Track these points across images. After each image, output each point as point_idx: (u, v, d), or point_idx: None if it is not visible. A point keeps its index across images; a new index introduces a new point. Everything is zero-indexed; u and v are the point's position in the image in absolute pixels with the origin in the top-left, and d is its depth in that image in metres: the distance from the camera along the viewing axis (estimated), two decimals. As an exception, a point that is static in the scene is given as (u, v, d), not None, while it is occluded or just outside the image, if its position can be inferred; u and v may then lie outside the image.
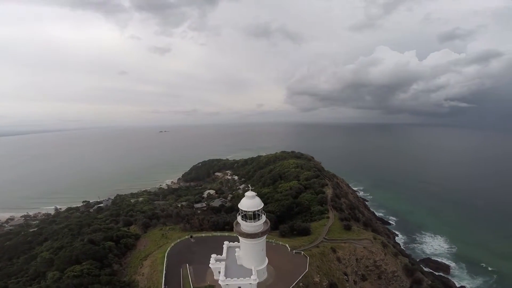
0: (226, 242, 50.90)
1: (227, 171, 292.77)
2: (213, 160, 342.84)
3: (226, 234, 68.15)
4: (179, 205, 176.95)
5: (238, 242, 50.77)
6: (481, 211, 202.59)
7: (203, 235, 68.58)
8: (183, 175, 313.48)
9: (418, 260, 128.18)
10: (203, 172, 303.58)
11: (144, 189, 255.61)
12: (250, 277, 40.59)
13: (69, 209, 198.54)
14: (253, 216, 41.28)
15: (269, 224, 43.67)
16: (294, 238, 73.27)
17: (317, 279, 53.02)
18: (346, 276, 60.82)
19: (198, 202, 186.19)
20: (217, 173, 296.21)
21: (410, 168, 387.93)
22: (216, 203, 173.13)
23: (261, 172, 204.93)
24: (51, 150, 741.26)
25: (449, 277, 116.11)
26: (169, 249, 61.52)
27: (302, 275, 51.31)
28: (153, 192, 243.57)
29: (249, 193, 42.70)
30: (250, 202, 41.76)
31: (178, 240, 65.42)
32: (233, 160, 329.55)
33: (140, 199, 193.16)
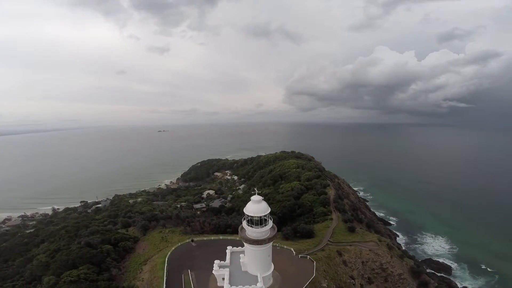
0: (229, 247, 48.86)
1: (226, 171, 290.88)
2: (212, 160, 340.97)
3: (229, 237, 66.09)
4: (179, 205, 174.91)
5: (242, 246, 48.80)
6: (481, 211, 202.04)
7: (205, 238, 66.45)
8: (182, 175, 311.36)
9: (419, 261, 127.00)
10: (202, 172, 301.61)
11: (143, 189, 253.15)
12: (256, 285, 38.72)
13: (66, 209, 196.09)
14: (259, 221, 39.19)
15: (276, 229, 41.61)
16: (298, 241, 71.43)
17: (324, 285, 51.26)
18: (353, 280, 59.16)
19: (197, 203, 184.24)
20: (216, 173, 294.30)
21: (409, 168, 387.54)
22: (216, 203, 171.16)
23: (261, 172, 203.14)
24: (49, 149, 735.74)
25: (451, 278, 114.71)
26: (169, 253, 59.36)
27: (310, 280, 49.43)
28: (152, 192, 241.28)
29: (255, 198, 40.67)
30: (256, 207, 39.71)
31: (179, 244, 63.24)
32: (233, 160, 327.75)
33: (139, 199, 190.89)
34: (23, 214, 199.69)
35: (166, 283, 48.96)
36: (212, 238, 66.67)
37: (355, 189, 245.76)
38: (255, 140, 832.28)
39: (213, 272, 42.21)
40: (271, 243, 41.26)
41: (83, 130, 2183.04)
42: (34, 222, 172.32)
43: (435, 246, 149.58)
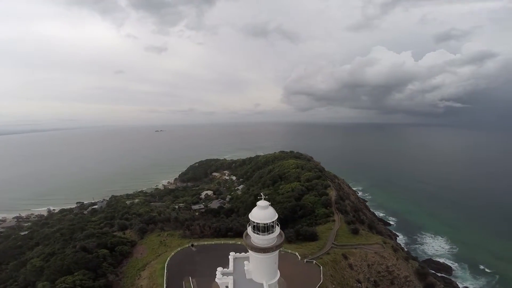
0: (232, 253, 46.55)
1: (224, 171, 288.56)
2: (210, 160, 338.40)
3: (230, 242, 63.77)
4: (177, 206, 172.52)
5: (245, 252, 46.63)
6: (479, 210, 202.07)
7: (205, 243, 64.02)
8: (179, 175, 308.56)
9: (420, 261, 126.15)
10: (200, 172, 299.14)
11: (140, 190, 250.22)
12: (261, 293, 36.69)
13: (62, 210, 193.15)
14: (265, 228, 36.92)
15: (283, 236, 39.35)
16: (301, 244, 69.50)
17: (331, 290, 49.39)
18: (359, 284, 57.43)
19: (196, 204, 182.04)
20: (214, 173, 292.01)
21: (408, 168, 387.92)
22: (215, 204, 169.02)
23: (260, 172, 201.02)
24: (47, 149, 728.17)
25: (452, 278, 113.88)
26: (169, 258, 56.89)
27: (317, 286, 47.49)
28: (149, 193, 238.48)
29: (261, 203, 38.39)
30: (263, 213, 37.42)
31: (179, 249, 60.73)
32: (231, 160, 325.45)
33: (136, 200, 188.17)
34: (18, 215, 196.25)
35: (166, 291, 46.62)
36: (213, 242, 64.27)
37: (354, 189, 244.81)
38: (254, 140, 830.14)
39: (216, 280, 40.02)
40: (278, 251, 39.10)
41: (82, 130, 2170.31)
42: (29, 224, 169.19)
43: (435, 246, 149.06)
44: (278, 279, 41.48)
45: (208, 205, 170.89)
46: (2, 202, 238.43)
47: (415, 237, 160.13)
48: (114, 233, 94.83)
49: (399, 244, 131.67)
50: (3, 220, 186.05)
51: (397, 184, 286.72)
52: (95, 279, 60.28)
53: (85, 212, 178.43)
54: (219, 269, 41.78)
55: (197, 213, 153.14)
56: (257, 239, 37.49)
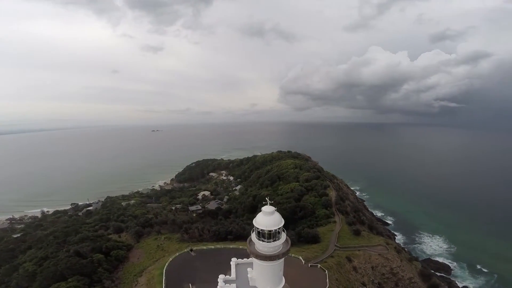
0: (233, 259, 44.55)
1: (222, 171, 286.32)
2: (207, 160, 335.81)
3: (231, 246, 61.63)
4: (173, 208, 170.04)
5: (247, 257, 44.68)
6: (475, 209, 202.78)
7: (204, 247, 61.60)
8: (176, 176, 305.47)
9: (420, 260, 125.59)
10: (197, 173, 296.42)
11: (136, 191, 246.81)
12: (265, 301, 34.78)
13: (56, 212, 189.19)
14: (271, 234, 34.82)
15: (289, 243, 37.26)
16: (304, 247, 67.75)
17: (336, 295, 47.74)
18: (364, 287, 55.94)
19: (193, 204, 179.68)
20: (211, 173, 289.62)
21: (403, 167, 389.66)
22: (212, 205, 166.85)
23: (258, 172, 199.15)
24: (42, 150, 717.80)
25: (451, 278, 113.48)
26: (167, 264, 54.49)
27: (324, 292, 45.75)
28: (145, 193, 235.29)
29: (266, 208, 36.18)
30: (268, 219, 35.21)
31: (177, 254, 58.36)
32: (228, 160, 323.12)
33: (132, 201, 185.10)
34: (11, 217, 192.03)
35: (165, 298, 44.44)
36: (213, 247, 62.00)
37: (352, 189, 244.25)
38: (250, 140, 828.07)
39: (218, 288, 38.10)
40: (283, 258, 37.12)
41: (77, 130, 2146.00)
42: (23, 226, 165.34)
43: (433, 246, 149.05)
44: (283, 286, 39.63)
45: (206, 206, 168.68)
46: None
47: (413, 236, 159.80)
48: (109, 236, 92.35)
49: (399, 244, 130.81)
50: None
51: (394, 183, 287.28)
52: (90, 286, 57.94)
53: (80, 213, 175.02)
54: (221, 276, 39.79)
55: (194, 214, 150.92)
56: (262, 246, 35.42)
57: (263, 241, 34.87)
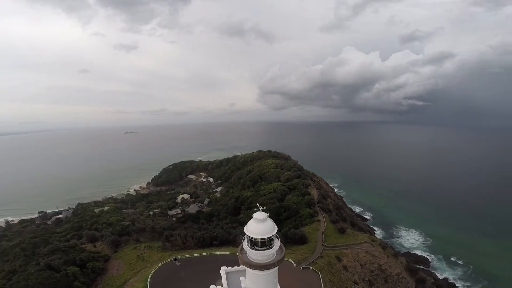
0: (223, 268, 41.92)
1: (201, 173, 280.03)
2: (185, 162, 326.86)
3: (217, 252, 58.62)
4: (151, 213, 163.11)
5: (238, 265, 42.21)
6: (442, 201, 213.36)
7: (189, 255, 58.10)
8: (152, 179, 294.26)
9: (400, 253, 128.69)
10: (175, 175, 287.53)
11: (110, 196, 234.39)
12: (261, 311, 32.56)
13: (22, 221, 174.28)
14: (264, 242, 32.50)
15: (284, 250, 35.18)
16: (292, 248, 66.47)
17: (331, 298, 46.72)
18: (357, 285, 55.67)
19: (172, 209, 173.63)
20: (190, 176, 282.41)
21: (377, 164, 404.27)
22: (193, 209, 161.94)
23: (239, 173, 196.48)
24: (5, 155, 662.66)
25: (431, 270, 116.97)
26: (150, 276, 50.37)
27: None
28: (120, 199, 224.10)
29: (258, 215, 33.66)
30: (260, 226, 32.67)
31: (160, 264, 54.45)
32: (207, 161, 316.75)
33: (106, 208, 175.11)
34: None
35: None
36: (199, 254, 58.57)
37: (330, 186, 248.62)
38: (229, 140, 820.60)
39: (209, 300, 35.38)
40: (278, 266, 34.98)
41: (44, 133, 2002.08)
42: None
43: (410, 239, 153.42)
44: (277, 292, 37.68)
45: (186, 210, 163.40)
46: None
47: (391, 231, 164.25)
48: (83, 246, 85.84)
49: (382, 240, 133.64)
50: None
51: (369, 179, 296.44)
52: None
53: (49, 222, 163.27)
54: (212, 287, 37.05)
55: (174, 219, 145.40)
56: (255, 255, 33.04)
57: (256, 249, 32.57)
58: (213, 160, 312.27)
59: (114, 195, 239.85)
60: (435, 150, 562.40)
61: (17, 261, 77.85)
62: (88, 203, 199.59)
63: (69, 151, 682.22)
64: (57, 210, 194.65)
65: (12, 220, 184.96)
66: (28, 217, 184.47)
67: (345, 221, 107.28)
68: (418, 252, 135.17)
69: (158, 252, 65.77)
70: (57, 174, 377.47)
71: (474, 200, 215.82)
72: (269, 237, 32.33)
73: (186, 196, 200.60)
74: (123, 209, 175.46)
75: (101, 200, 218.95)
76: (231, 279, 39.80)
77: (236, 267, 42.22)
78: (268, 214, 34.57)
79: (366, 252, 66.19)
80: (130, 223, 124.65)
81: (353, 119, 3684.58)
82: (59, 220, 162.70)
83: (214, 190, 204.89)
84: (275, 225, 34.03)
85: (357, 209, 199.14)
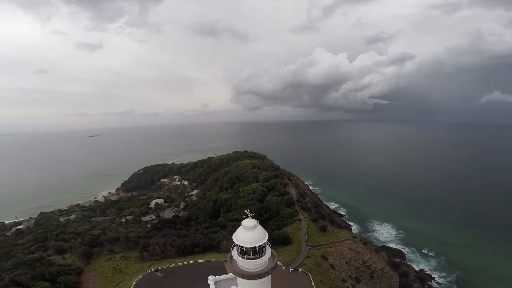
0: (211, 277, 39.64)
1: (174, 176, 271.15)
2: (157, 166, 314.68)
3: (202, 260, 55.45)
4: (123, 220, 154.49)
5: (226, 274, 40.21)
6: (408, 195, 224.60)
7: (171, 265, 54.38)
8: (122, 185, 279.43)
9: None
10: (147, 180, 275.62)
11: (76, 204, 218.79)
12: (255, 321, 30.87)
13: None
14: (256, 250, 30.66)
15: (275, 257, 33.58)
16: (277, 250, 64.99)
17: (325, 298, 46.25)
18: (345, 283, 55.99)
19: (145, 214, 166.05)
20: (163, 180, 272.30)
21: (348, 160, 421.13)
22: (168, 214, 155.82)
23: (216, 175, 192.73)
24: None
25: (407, 262, 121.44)
26: (131, 289, 46.74)
27: (313, 296, 43.62)
28: (87, 206, 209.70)
29: (247, 222, 31.48)
30: (250, 234, 30.58)
31: (141, 276, 50.44)
32: (180, 164, 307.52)
33: (72, 216, 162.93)
34: None
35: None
36: (181, 264, 55.14)
37: (306, 183, 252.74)
38: (203, 141, 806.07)
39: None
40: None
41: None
42: None
43: (384, 233, 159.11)
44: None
45: (161, 215, 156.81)
46: None
47: (365, 225, 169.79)
48: (50, 258, 78.41)
49: (362, 236, 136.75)
50: None
51: (341, 176, 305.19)
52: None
53: (8, 234, 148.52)
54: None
55: (149, 225, 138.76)
56: (246, 264, 31.21)
57: (248, 258, 30.71)
58: (187, 162, 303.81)
59: (80, 202, 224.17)
60: (399, 146, 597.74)
61: (-24, 277, 69.07)
62: (52, 212, 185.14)
63: (26, 158, 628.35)
64: (16, 221, 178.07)
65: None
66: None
67: (324, 218, 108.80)
68: (393, 246, 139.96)
69: (136, 262, 61.29)
70: (13, 182, 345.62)
71: (439, 192, 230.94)
72: (260, 245, 30.66)
73: (160, 200, 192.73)
74: (91, 217, 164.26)
75: (66, 208, 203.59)
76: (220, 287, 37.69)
77: (225, 275, 40.22)
78: (257, 221, 32.74)
79: (349, 249, 67.30)
80: (101, 231, 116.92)
81: (323, 118, 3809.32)
82: (19, 231, 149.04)
83: (189, 194, 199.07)
84: (266, 232, 32.26)
85: (332, 206, 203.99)
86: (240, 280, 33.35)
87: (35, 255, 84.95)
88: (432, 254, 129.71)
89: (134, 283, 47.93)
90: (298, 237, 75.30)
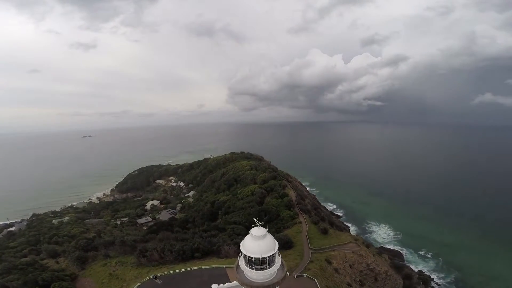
0: (214, 285, 37.89)
1: (170, 178, 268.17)
2: (152, 166, 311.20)
3: (202, 267, 53.46)
4: (118, 222, 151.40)
5: (230, 282, 38.45)
6: (408, 196, 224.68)
7: (171, 272, 52.21)
8: (117, 186, 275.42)
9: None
10: (142, 181, 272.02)
11: (70, 205, 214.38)
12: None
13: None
14: (264, 260, 28.91)
15: (285, 267, 31.92)
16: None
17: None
18: (351, 287, 54.47)
19: (141, 216, 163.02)
20: (158, 181, 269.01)
21: (344, 161, 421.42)
22: (164, 215, 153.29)
23: (212, 176, 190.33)
24: None
25: (405, 263, 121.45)
26: (129, 298, 44.58)
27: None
28: (81, 208, 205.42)
29: (256, 231, 29.58)
30: (259, 244, 28.81)
31: (139, 284, 48.23)
32: (176, 164, 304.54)
33: (66, 218, 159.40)
34: None
35: None
36: (181, 270, 52.96)
37: (303, 184, 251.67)
38: (199, 142, 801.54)
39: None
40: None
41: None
42: None
43: (381, 234, 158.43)
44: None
45: (157, 217, 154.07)
46: None
47: (363, 226, 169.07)
48: (44, 262, 75.70)
49: (364, 238, 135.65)
50: None
51: (337, 177, 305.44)
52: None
53: (0, 236, 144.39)
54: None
55: (145, 228, 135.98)
56: (255, 274, 29.52)
57: (256, 269, 28.94)
58: (182, 163, 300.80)
59: (74, 204, 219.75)
60: (394, 147, 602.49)
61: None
62: (45, 214, 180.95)
63: (18, 158, 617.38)
64: (8, 222, 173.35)
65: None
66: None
67: (324, 220, 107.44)
68: (391, 247, 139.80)
69: (133, 268, 58.83)
70: (5, 183, 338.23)
71: (435, 193, 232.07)
72: (270, 256, 28.92)
73: (155, 202, 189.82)
74: (85, 219, 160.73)
75: (59, 210, 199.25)
76: (226, 298, 35.89)
77: (228, 283, 38.49)
78: (267, 229, 31.04)
79: (353, 252, 66.02)
80: (95, 234, 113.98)
81: (319, 120, 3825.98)
82: (11, 233, 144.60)
83: (186, 195, 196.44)
84: (276, 242, 30.58)
85: (330, 207, 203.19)
86: (245, 289, 31.69)
87: (28, 258, 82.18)
88: (430, 255, 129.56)
89: (132, 290, 45.80)
90: (299, 240, 73.78)
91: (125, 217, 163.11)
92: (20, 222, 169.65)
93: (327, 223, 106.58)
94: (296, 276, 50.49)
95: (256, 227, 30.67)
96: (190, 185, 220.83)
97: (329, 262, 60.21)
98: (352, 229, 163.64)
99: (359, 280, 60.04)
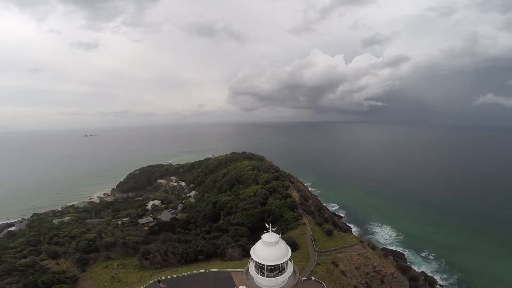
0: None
1: (171, 177, 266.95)
2: (153, 166, 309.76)
3: (207, 270, 52.21)
4: (119, 222, 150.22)
5: (236, 286, 37.22)
6: (410, 197, 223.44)
7: (175, 275, 50.79)
8: (118, 185, 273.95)
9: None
10: (143, 180, 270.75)
11: (70, 205, 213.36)
12: None
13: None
14: (276, 267, 27.67)
15: (297, 272, 30.77)
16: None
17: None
18: None
19: (142, 216, 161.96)
20: (159, 180, 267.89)
21: (346, 162, 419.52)
22: (166, 216, 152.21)
23: (214, 176, 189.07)
24: None
25: (408, 264, 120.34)
26: (132, 303, 43.36)
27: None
28: (82, 207, 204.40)
29: (268, 237, 28.35)
30: (271, 251, 27.57)
31: (142, 287, 47.16)
32: (177, 164, 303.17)
33: (66, 218, 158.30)
34: None
35: None
36: (185, 273, 51.70)
37: (305, 185, 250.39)
38: (200, 142, 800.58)
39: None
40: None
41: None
42: None
43: (383, 235, 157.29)
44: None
45: (158, 217, 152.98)
46: None
47: (365, 227, 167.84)
48: (44, 263, 74.66)
49: (369, 240, 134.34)
50: None
51: (339, 177, 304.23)
52: None
53: (0, 236, 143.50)
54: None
55: (146, 228, 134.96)
56: (265, 282, 28.33)
57: (268, 276, 27.70)
58: (183, 163, 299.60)
59: (75, 203, 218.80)
60: (395, 147, 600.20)
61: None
62: (46, 213, 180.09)
63: (19, 157, 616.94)
64: (8, 222, 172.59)
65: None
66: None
67: (327, 222, 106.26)
68: (393, 248, 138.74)
69: (136, 271, 57.63)
70: (5, 183, 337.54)
71: (437, 194, 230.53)
72: (282, 263, 27.68)
73: (156, 202, 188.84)
74: (86, 219, 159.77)
75: (60, 209, 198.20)
76: (234, 304, 34.69)
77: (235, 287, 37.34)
78: (280, 235, 29.81)
79: (359, 254, 64.85)
80: (96, 235, 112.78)
81: (320, 120, 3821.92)
82: (11, 233, 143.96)
83: (187, 195, 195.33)
84: (288, 248, 29.37)
85: (332, 207, 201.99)
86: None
87: (28, 259, 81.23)
88: (432, 256, 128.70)
89: (135, 294, 44.59)
90: (304, 242, 72.57)
91: (126, 217, 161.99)
92: (21, 221, 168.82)
93: (331, 224, 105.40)
94: (303, 279, 49.31)
95: (268, 233, 29.51)
96: (191, 185, 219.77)
97: (336, 265, 59.03)
98: (354, 230, 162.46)
99: (366, 282, 58.99)
